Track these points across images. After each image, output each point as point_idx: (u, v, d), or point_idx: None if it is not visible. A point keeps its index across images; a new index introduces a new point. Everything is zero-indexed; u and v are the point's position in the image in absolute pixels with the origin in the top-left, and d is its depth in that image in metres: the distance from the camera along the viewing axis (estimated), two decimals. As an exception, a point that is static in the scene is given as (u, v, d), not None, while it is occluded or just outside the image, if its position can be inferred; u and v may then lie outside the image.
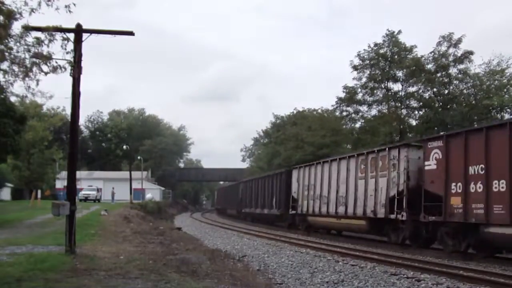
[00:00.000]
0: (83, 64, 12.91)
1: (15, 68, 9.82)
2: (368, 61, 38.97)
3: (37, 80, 10.10)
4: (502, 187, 14.72)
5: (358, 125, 42.36)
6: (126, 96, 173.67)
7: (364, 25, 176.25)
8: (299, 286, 11.60)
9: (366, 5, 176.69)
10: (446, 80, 36.84)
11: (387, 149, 21.14)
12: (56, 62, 10.51)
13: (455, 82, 37.11)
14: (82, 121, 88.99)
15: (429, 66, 37.20)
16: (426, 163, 18.11)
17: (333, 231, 27.90)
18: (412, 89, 38.50)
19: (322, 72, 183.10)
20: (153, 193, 69.60)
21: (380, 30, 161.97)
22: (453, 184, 16.57)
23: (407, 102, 39.05)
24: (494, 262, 15.23)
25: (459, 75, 36.47)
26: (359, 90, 39.91)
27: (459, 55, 35.64)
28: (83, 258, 11.94)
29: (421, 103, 38.23)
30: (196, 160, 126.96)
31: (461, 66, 36.06)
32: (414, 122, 39.80)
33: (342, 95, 40.68)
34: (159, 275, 10.07)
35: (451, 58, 36.02)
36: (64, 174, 48.23)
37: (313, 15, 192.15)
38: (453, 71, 36.55)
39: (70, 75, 12.59)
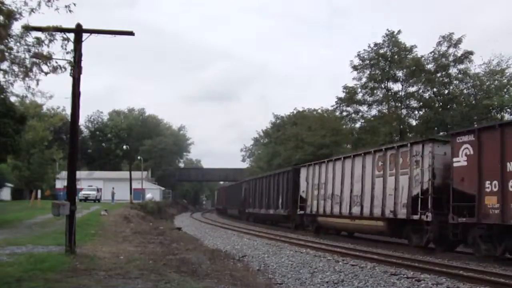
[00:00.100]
0: (83, 64, 12.99)
1: (15, 68, 9.82)
2: (368, 61, 39.03)
3: (37, 80, 10.10)
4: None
5: (358, 125, 42.48)
6: (126, 96, 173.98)
7: (364, 25, 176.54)
8: (299, 286, 11.59)
9: (366, 5, 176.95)
10: (446, 80, 36.90)
11: (408, 144, 19.72)
12: (56, 62, 10.52)
13: (455, 82, 37.19)
14: (82, 121, 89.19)
15: (429, 66, 37.31)
16: (455, 159, 16.63)
17: (344, 232, 26.92)
18: (412, 89, 38.64)
19: (322, 72, 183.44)
20: (153, 193, 69.61)
21: (380, 30, 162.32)
22: (488, 182, 15.16)
23: (407, 102, 39.10)
24: (494, 262, 15.15)
25: (459, 75, 36.53)
26: (359, 90, 40.04)
27: (459, 55, 35.76)
28: (83, 258, 11.95)
29: (421, 103, 38.27)
30: (196, 160, 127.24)
31: (461, 66, 36.19)
32: (414, 122, 39.88)
33: (342, 95, 40.83)
34: (159, 275, 10.07)
35: (451, 58, 36.11)
36: (64, 174, 48.17)
37: (313, 15, 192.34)
38: (453, 71, 36.70)
39: (70, 75, 12.63)
